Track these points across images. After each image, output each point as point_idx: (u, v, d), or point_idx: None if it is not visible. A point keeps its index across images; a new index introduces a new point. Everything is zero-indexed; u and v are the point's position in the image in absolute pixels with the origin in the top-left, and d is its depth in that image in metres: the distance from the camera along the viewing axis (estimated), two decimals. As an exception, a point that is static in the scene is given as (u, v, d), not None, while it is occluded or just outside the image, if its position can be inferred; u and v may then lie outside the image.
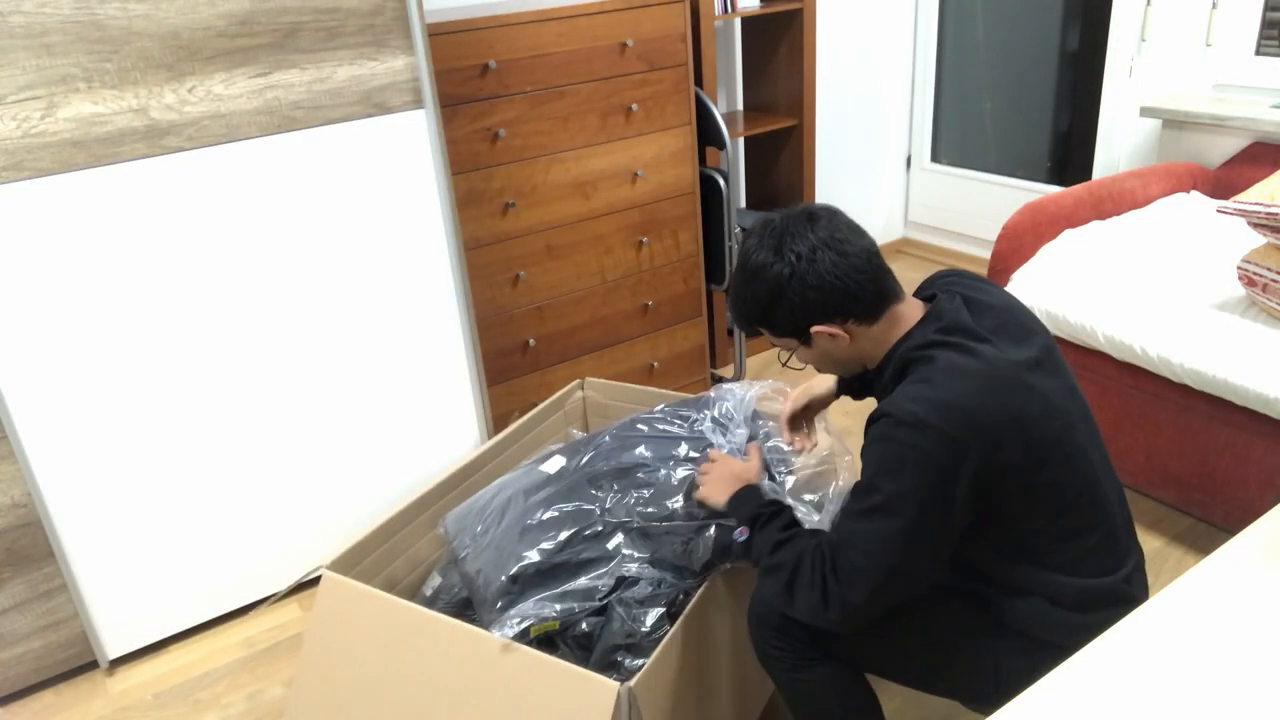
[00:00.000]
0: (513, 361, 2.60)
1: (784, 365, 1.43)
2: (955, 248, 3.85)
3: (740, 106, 3.38)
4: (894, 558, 1.18)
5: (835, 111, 3.64)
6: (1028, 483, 1.20)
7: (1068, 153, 3.52)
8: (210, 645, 2.11)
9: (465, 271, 2.18)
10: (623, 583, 1.53)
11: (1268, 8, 2.68)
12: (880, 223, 4.00)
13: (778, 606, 1.32)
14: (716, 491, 1.47)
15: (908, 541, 1.17)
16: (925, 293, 1.39)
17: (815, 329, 1.30)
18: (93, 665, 2.07)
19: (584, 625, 1.51)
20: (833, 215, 1.30)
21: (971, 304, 1.31)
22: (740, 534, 1.37)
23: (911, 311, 1.32)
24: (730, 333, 3.12)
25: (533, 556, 1.53)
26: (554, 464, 1.73)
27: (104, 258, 1.80)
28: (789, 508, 1.38)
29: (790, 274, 1.27)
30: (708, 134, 2.75)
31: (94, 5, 1.65)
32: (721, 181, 2.79)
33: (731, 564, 1.54)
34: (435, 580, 1.73)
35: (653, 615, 1.48)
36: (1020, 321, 1.32)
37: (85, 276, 1.79)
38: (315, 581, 1.83)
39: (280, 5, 1.80)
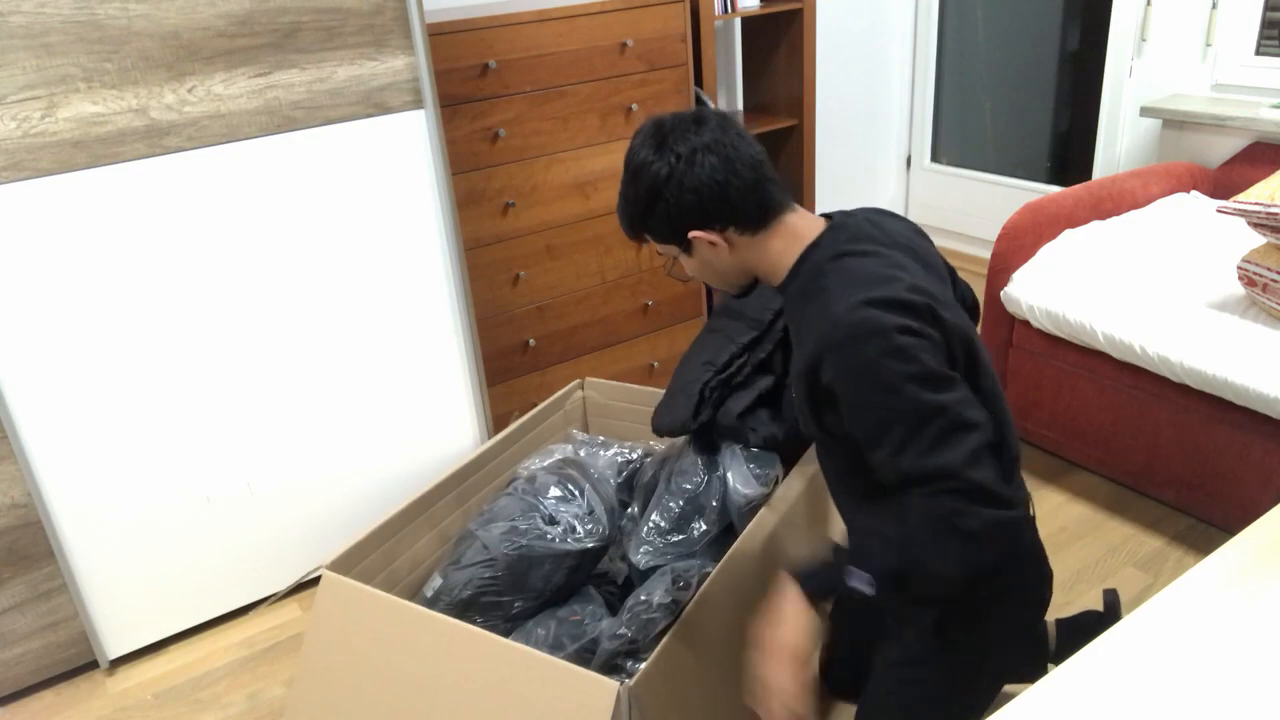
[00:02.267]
0: (513, 361, 2.60)
1: (667, 274, 1.41)
2: (955, 247, 3.85)
3: (740, 106, 3.38)
4: (951, 422, 1.10)
5: (835, 111, 3.64)
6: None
7: (1068, 153, 3.52)
8: (210, 645, 2.11)
9: (465, 271, 2.18)
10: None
11: (1268, 8, 2.68)
12: (880, 223, 3.99)
13: (947, 576, 1.13)
14: (789, 652, 1.22)
15: (946, 406, 1.11)
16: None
17: (694, 234, 1.27)
18: (93, 665, 2.07)
19: (587, 620, 1.51)
20: (723, 120, 1.27)
21: (876, 225, 1.30)
22: (858, 579, 1.17)
23: (807, 224, 1.29)
24: None
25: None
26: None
27: (104, 258, 1.80)
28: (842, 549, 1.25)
29: (668, 174, 1.23)
30: (708, 134, 2.75)
31: (94, 5, 1.65)
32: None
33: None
34: (436, 581, 1.73)
35: (657, 618, 1.49)
36: (925, 252, 1.33)
37: (85, 276, 1.79)
38: (315, 581, 1.83)
39: (280, 5, 1.80)
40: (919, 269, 1.25)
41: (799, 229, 1.29)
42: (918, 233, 1.37)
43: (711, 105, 2.72)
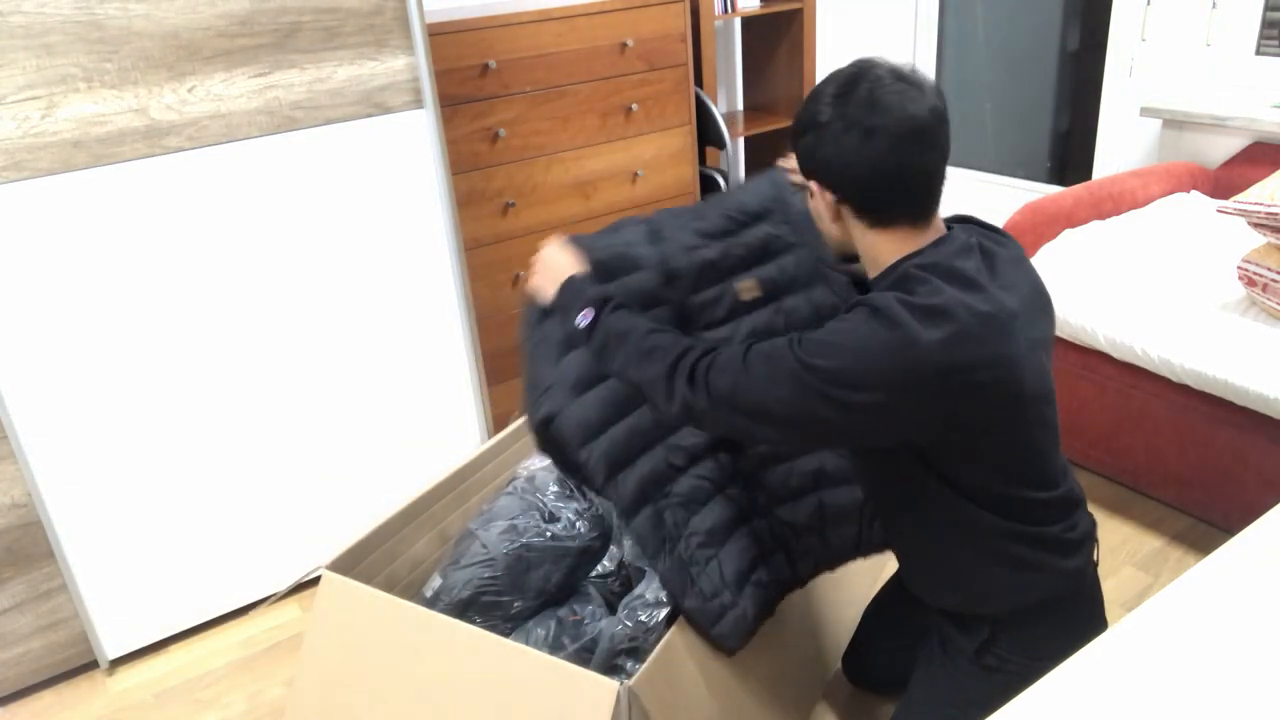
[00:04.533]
0: (513, 361, 2.60)
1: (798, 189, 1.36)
2: (955, 248, 3.85)
3: (740, 106, 3.38)
4: (782, 408, 1.14)
5: (835, 111, 3.64)
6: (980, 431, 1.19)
7: (1068, 153, 3.52)
8: (210, 645, 2.11)
9: (465, 271, 2.18)
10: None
11: (1268, 8, 2.68)
12: (880, 223, 3.99)
13: (650, 395, 1.24)
14: (545, 283, 1.40)
15: (810, 415, 1.13)
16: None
17: (814, 184, 1.23)
18: (93, 665, 2.07)
19: (586, 620, 1.51)
20: (935, 118, 1.16)
21: (988, 256, 1.24)
22: (584, 317, 1.29)
23: (926, 236, 1.22)
24: None
25: None
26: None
27: (104, 258, 1.80)
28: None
29: (837, 121, 1.16)
30: (708, 134, 2.75)
31: (94, 5, 1.65)
32: (721, 181, 2.79)
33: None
34: (435, 581, 1.73)
35: (657, 618, 1.48)
36: (1036, 293, 1.28)
37: (85, 277, 1.79)
38: (315, 581, 1.83)
39: (280, 5, 1.80)
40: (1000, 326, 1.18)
41: (915, 238, 1.22)
42: (1033, 286, 1.29)
43: (712, 105, 2.72)
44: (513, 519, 1.72)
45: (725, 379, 1.17)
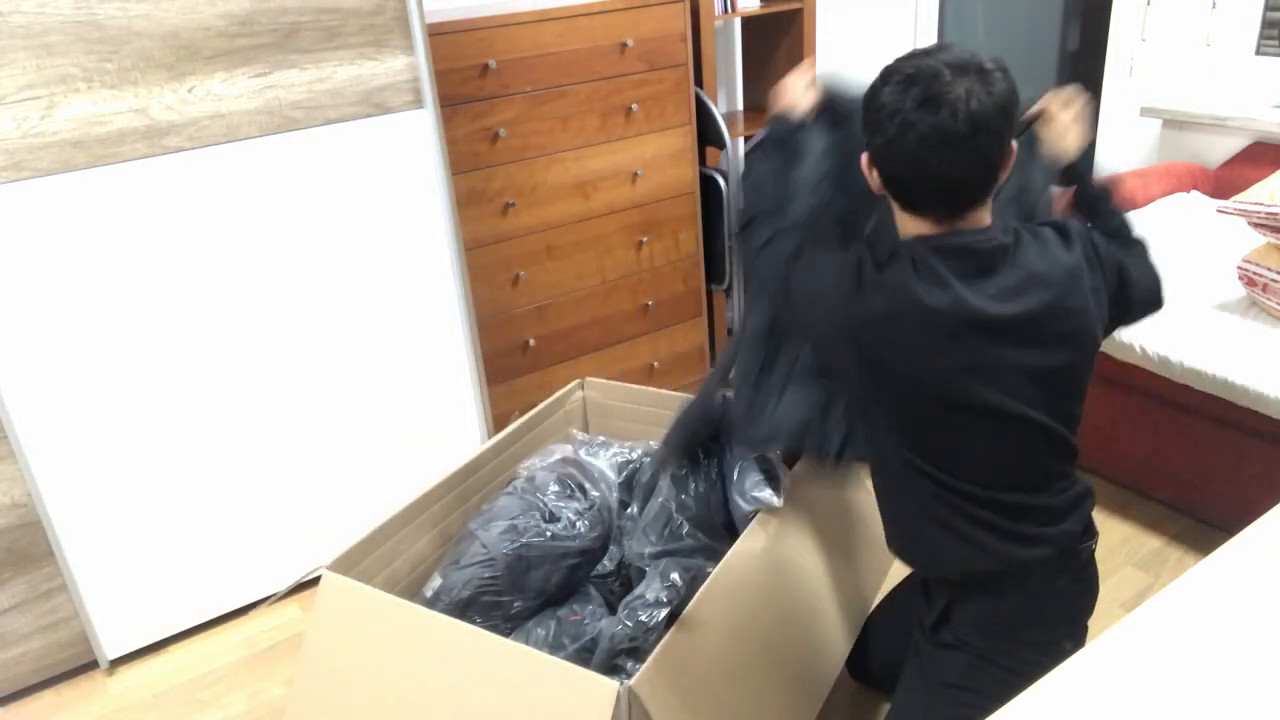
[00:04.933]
0: (513, 361, 2.60)
1: None
2: (955, 248, 3.85)
3: (740, 106, 3.38)
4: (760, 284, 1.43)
5: (835, 111, 3.64)
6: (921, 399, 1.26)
7: (1068, 153, 3.51)
8: (210, 645, 2.11)
9: (465, 271, 2.18)
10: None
11: (1268, 8, 2.68)
12: (880, 223, 3.99)
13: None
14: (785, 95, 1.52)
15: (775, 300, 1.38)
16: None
17: (865, 156, 1.27)
18: (93, 665, 2.07)
19: (586, 620, 1.51)
20: (971, 125, 1.15)
21: (1020, 242, 1.26)
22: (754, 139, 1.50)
23: (949, 227, 1.25)
24: (730, 332, 3.12)
25: None
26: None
27: (104, 258, 1.80)
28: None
29: (881, 104, 1.19)
30: (708, 134, 2.74)
31: (94, 5, 1.65)
32: (722, 181, 2.79)
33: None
34: (436, 581, 1.73)
35: (657, 618, 1.48)
36: (1046, 284, 1.25)
37: (85, 276, 1.79)
38: (315, 581, 1.83)
39: (280, 5, 1.80)
40: (1001, 292, 1.22)
41: (941, 226, 1.26)
42: (1050, 310, 1.26)
43: (712, 105, 2.72)
44: (513, 519, 1.72)
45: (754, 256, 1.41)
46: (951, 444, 1.29)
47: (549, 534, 1.70)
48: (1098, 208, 1.47)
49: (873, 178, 1.28)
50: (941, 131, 1.15)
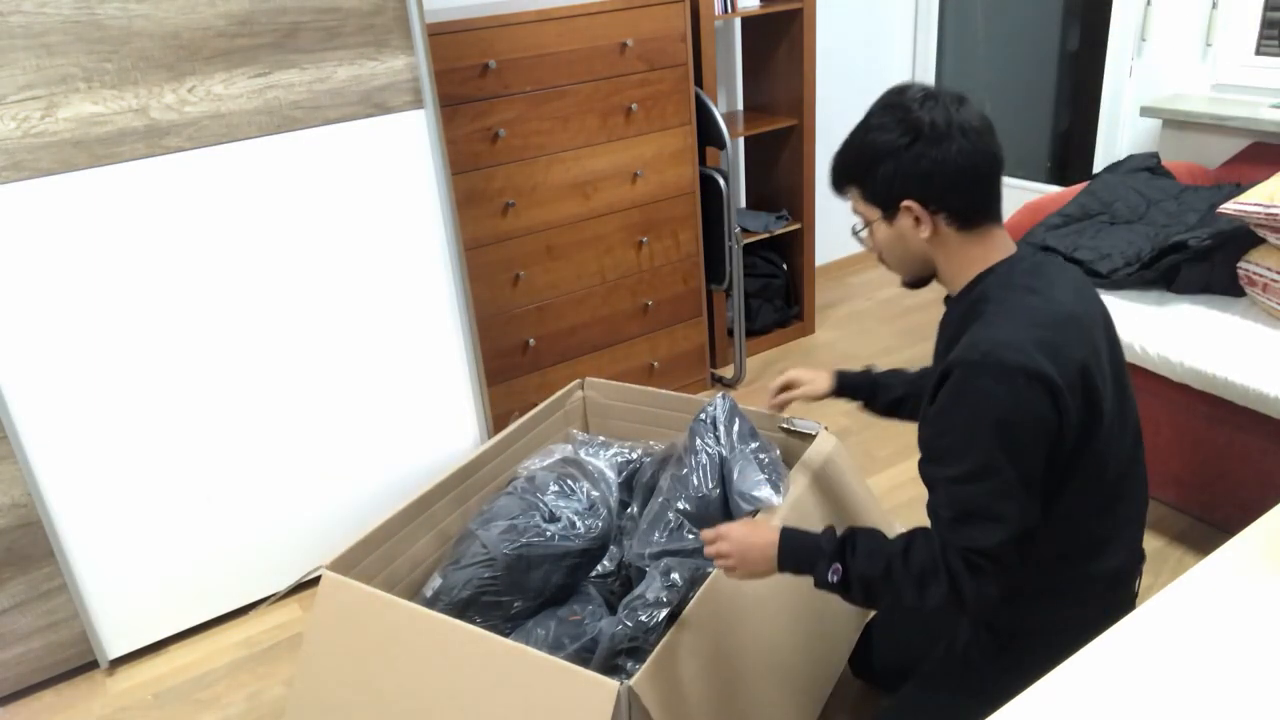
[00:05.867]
0: (513, 361, 2.60)
1: (854, 235, 1.36)
2: (955, 248, 3.85)
3: (740, 106, 3.38)
4: (1008, 506, 1.15)
5: (835, 111, 3.64)
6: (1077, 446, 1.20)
7: (1068, 153, 3.52)
8: (210, 645, 2.11)
9: (465, 271, 2.18)
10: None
11: (1268, 8, 2.68)
12: (880, 223, 3.99)
13: (916, 609, 1.22)
14: (756, 564, 1.30)
15: (1013, 488, 1.14)
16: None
17: (907, 203, 1.23)
18: (93, 665, 2.07)
19: (586, 620, 1.51)
20: (983, 114, 1.24)
21: (1048, 273, 1.28)
22: (835, 574, 1.23)
23: (1002, 245, 1.28)
24: (730, 332, 3.12)
25: None
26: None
27: (104, 258, 1.80)
28: (850, 529, 1.28)
29: (916, 135, 1.20)
30: (708, 134, 2.74)
31: (94, 5, 1.65)
32: (722, 181, 2.79)
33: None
34: (435, 581, 1.73)
35: (657, 618, 1.48)
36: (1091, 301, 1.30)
37: (85, 276, 1.79)
38: (315, 581, 1.83)
39: (280, 5, 1.80)
40: (1077, 332, 1.22)
41: (995, 246, 1.27)
42: (1091, 299, 1.31)
43: (712, 105, 2.72)
44: (513, 519, 1.72)
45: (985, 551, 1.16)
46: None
47: (549, 534, 1.70)
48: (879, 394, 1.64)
49: (926, 226, 1.24)
50: (979, 117, 1.23)
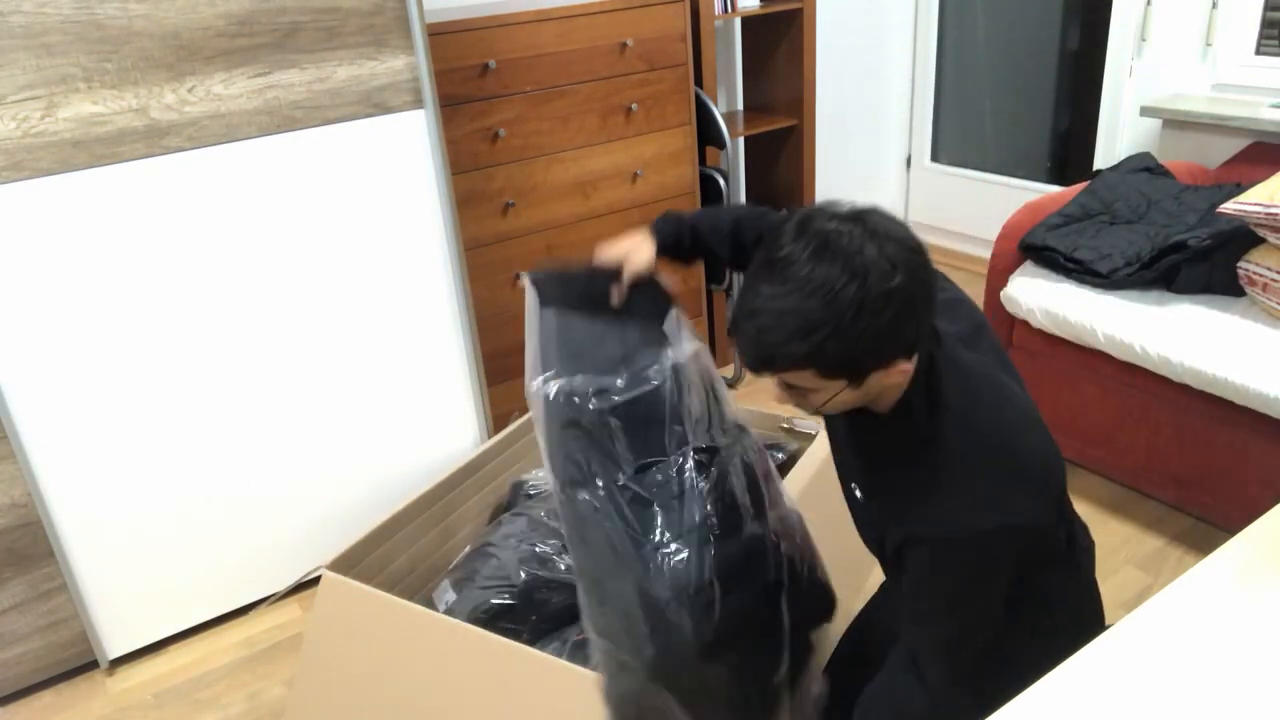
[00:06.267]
0: (513, 361, 2.60)
1: (798, 405, 1.11)
2: (955, 247, 3.85)
3: (740, 106, 3.38)
4: (975, 647, 1.15)
5: (835, 111, 3.64)
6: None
7: (1068, 153, 3.52)
8: (210, 645, 2.11)
9: (465, 271, 2.18)
10: None
11: (1268, 8, 2.68)
12: (880, 223, 3.99)
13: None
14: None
15: (977, 626, 1.15)
16: None
17: (897, 366, 1.03)
18: (93, 665, 2.07)
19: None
20: (873, 211, 1.02)
21: (956, 317, 1.21)
22: None
23: None
24: (730, 333, 3.12)
25: None
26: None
27: (104, 258, 1.80)
28: None
29: (858, 312, 0.96)
30: (708, 134, 2.75)
31: (94, 5, 1.65)
32: (722, 181, 2.79)
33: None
34: (449, 595, 1.69)
35: None
36: (956, 301, 1.23)
37: (85, 276, 1.79)
38: (315, 581, 1.83)
39: (280, 5, 1.80)
40: (974, 347, 1.17)
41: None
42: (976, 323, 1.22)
43: (712, 105, 2.72)
44: (533, 546, 1.70)
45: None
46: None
47: (564, 566, 1.68)
48: (697, 237, 1.43)
49: (903, 370, 1.04)
50: (916, 245, 1.03)
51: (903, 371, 1.04)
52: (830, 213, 1.02)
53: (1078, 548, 1.27)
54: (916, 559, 1.13)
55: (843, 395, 1.06)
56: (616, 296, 1.40)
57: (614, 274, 1.40)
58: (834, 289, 0.96)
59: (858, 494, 1.27)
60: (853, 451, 1.24)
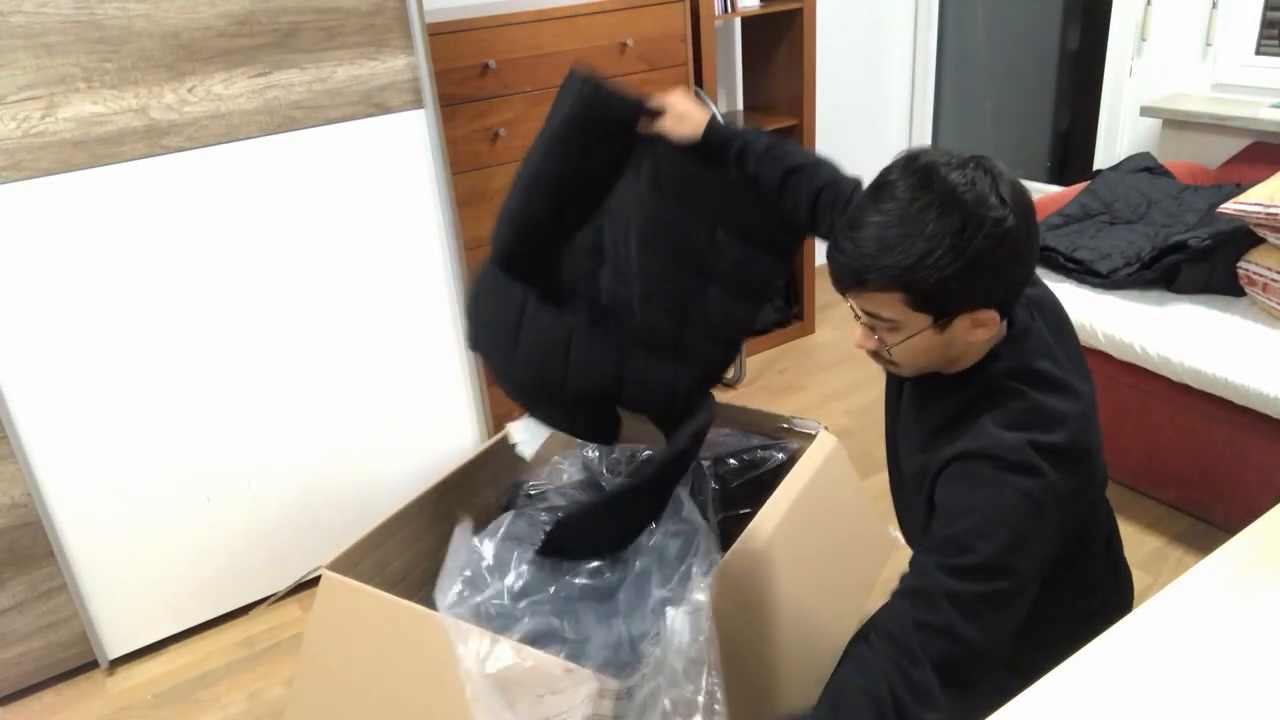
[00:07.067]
0: (513, 361, 2.60)
1: (874, 353, 1.11)
2: (955, 248, 3.85)
3: (740, 106, 3.38)
4: (1009, 616, 1.04)
5: (835, 111, 3.64)
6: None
7: (1068, 152, 3.52)
8: (210, 645, 2.11)
9: (465, 272, 2.18)
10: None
11: (1268, 8, 2.68)
12: (880, 223, 3.99)
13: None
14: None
15: (1017, 599, 1.04)
16: None
17: (985, 315, 1.01)
18: (93, 665, 2.07)
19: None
20: (986, 157, 1.02)
21: (1043, 311, 1.17)
22: None
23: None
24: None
25: None
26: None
27: (104, 258, 1.80)
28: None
29: (1008, 232, 0.95)
30: (708, 134, 2.74)
31: (94, 5, 1.65)
32: (721, 181, 2.78)
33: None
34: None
35: None
36: (1073, 333, 1.22)
37: (85, 276, 1.79)
38: (315, 581, 1.83)
39: (280, 5, 1.80)
40: (1081, 375, 1.13)
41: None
42: (1071, 333, 1.22)
43: (712, 105, 2.72)
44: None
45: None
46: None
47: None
48: (746, 154, 1.41)
49: (990, 327, 1.03)
50: (1026, 196, 1.04)
51: (988, 327, 1.02)
52: (942, 150, 1.03)
53: (1115, 542, 1.30)
54: (957, 478, 1.05)
55: (923, 337, 1.03)
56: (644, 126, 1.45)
57: (651, 114, 1.46)
58: (940, 214, 0.96)
59: (905, 473, 1.24)
60: (914, 421, 1.18)
